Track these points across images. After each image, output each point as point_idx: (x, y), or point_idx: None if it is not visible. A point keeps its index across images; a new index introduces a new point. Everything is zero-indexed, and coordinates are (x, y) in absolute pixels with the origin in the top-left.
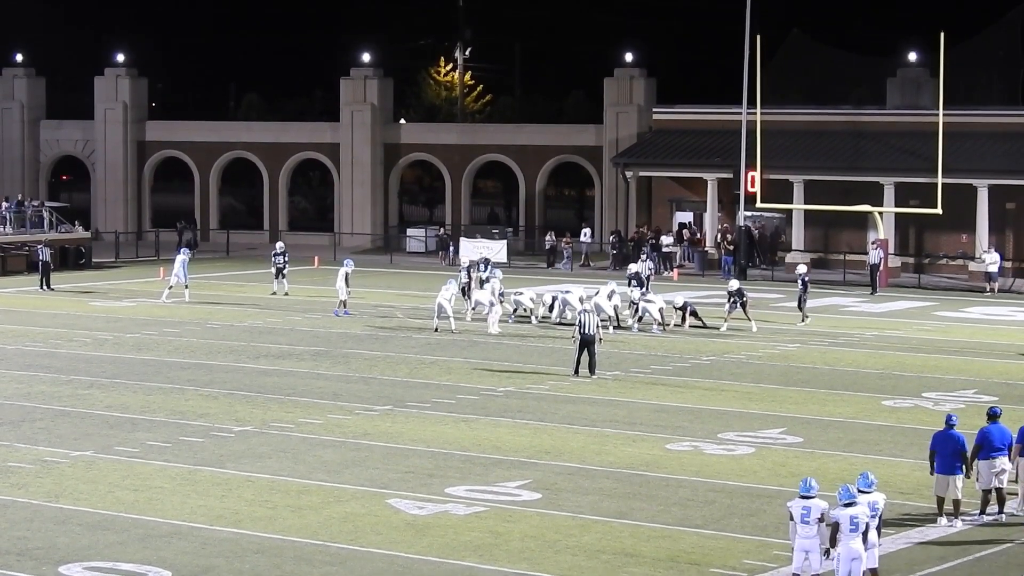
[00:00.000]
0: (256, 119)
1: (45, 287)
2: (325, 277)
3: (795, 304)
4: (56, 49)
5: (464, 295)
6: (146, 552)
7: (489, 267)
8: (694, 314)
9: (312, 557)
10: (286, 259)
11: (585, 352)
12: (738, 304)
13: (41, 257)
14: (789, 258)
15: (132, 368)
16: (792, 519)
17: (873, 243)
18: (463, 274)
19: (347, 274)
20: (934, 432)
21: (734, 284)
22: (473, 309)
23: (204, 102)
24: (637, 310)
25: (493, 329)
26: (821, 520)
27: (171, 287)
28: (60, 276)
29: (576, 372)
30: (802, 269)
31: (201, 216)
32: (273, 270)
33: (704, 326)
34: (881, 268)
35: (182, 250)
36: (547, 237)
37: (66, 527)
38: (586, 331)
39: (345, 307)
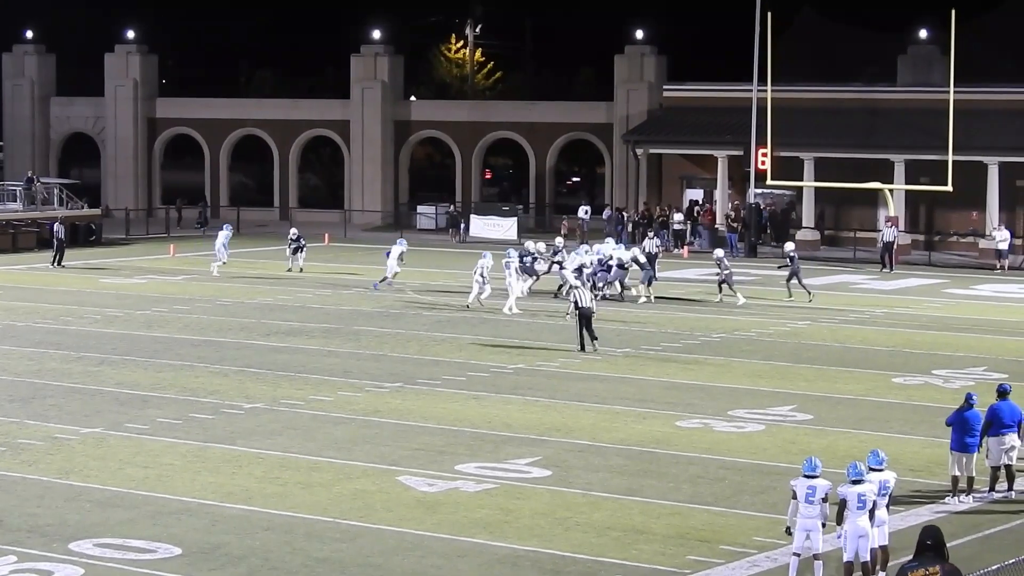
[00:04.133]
0: (267, 96)
1: (57, 264)
2: (337, 254)
3: (795, 282)
4: (66, 26)
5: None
6: (156, 529)
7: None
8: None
9: (322, 534)
10: (301, 242)
11: (585, 326)
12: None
13: (57, 235)
14: (800, 235)
15: (142, 345)
16: (795, 497)
17: (887, 221)
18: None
19: (402, 252)
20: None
21: (718, 252)
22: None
23: (215, 79)
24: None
25: (508, 309)
26: (825, 500)
27: (223, 262)
28: (70, 253)
29: (582, 348)
30: (790, 246)
31: (211, 193)
32: (288, 250)
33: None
34: (895, 246)
35: (225, 226)
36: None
37: (76, 504)
38: (582, 305)
39: (388, 281)
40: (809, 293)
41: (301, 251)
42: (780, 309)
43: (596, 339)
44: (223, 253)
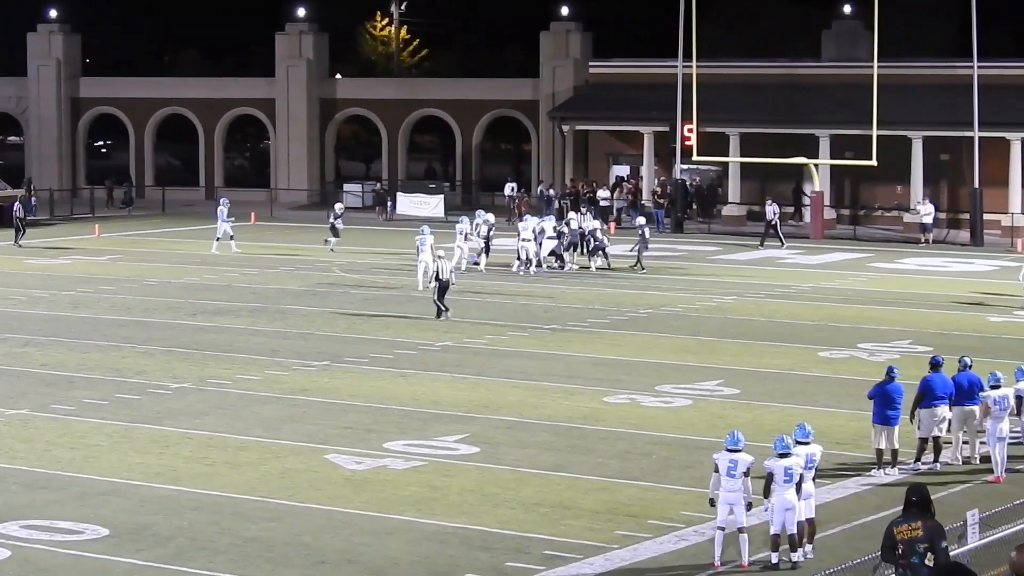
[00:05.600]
0: (192, 76)
1: (16, 243)
2: (263, 233)
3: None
4: None
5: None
6: (83, 510)
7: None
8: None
9: (250, 513)
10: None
11: (443, 296)
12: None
13: (16, 213)
14: (725, 211)
15: (68, 326)
16: (717, 471)
17: (767, 199)
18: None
19: (465, 233)
20: (880, 383)
21: (639, 219)
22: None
23: (139, 59)
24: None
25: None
26: (747, 474)
27: (220, 239)
28: None
29: (439, 316)
30: (641, 221)
31: (136, 173)
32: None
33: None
34: (775, 223)
35: (222, 200)
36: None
37: (3, 486)
38: (442, 276)
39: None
40: (642, 267)
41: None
42: (706, 284)
43: (447, 310)
44: (227, 228)
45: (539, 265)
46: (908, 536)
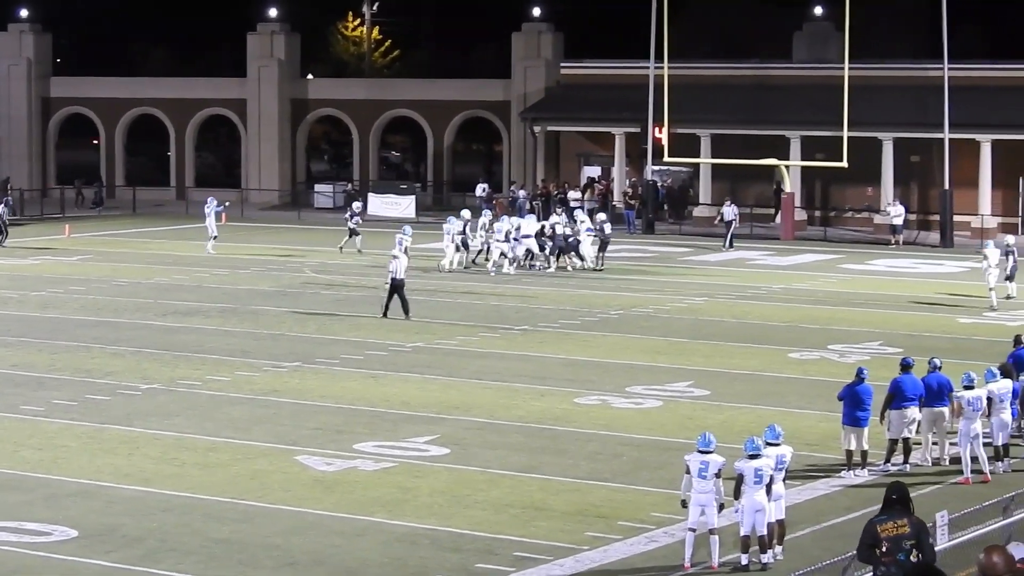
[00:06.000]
0: (163, 76)
1: None
2: (234, 233)
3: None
4: None
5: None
6: (52, 511)
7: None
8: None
9: (220, 514)
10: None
11: (396, 295)
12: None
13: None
14: (697, 212)
15: (37, 326)
16: (688, 472)
17: (727, 200)
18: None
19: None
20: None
21: (600, 215)
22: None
23: (110, 59)
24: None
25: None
26: (718, 476)
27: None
28: None
29: (385, 315)
30: (601, 217)
31: (107, 173)
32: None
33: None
34: (735, 225)
35: (209, 200)
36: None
37: None
38: (396, 276)
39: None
40: (600, 266)
41: (356, 233)
42: (677, 285)
43: (407, 311)
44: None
45: (513, 262)
46: (894, 533)
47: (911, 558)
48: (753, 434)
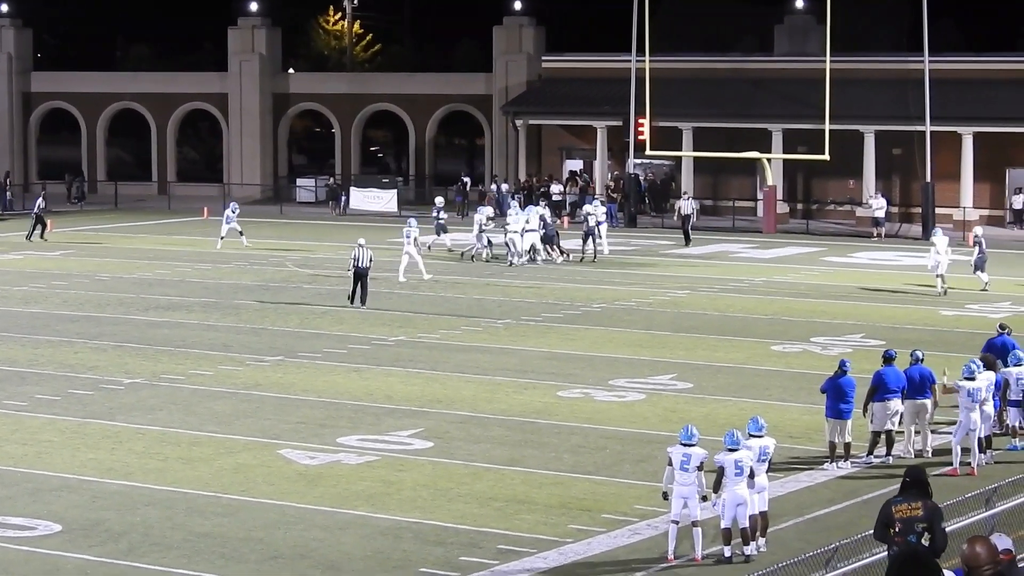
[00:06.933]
0: (144, 71)
1: (40, 238)
2: (216, 228)
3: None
4: None
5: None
6: (36, 506)
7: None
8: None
9: (204, 509)
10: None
11: (359, 284)
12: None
13: (38, 208)
14: (678, 205)
15: (19, 321)
16: (671, 464)
17: (684, 194)
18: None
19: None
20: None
21: (587, 207)
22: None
23: (91, 54)
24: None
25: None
26: (700, 468)
27: (224, 237)
28: None
29: (352, 301)
30: (588, 208)
31: (89, 168)
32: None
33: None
34: (693, 220)
35: (232, 205)
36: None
37: None
38: (360, 264)
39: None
40: (563, 254)
41: (445, 230)
42: (659, 278)
43: (365, 304)
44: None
45: (488, 246)
46: (908, 515)
47: (922, 541)
48: (736, 427)
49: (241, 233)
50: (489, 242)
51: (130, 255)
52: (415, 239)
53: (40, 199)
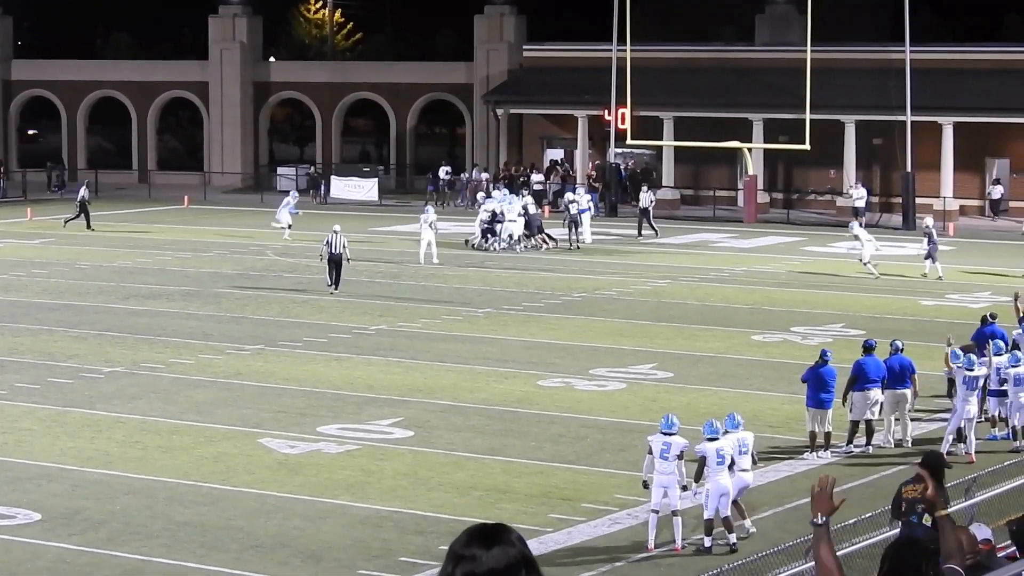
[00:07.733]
0: (125, 59)
1: (87, 227)
2: (196, 217)
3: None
4: None
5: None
6: (15, 495)
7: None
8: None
9: (183, 497)
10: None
11: (335, 269)
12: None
13: (82, 197)
14: (659, 194)
15: None
16: (651, 453)
17: (644, 186)
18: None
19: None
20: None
21: (569, 195)
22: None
23: (71, 42)
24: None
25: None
26: (680, 457)
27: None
28: None
29: (330, 284)
30: (570, 196)
31: (69, 156)
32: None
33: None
34: (651, 212)
35: (292, 193)
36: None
37: None
38: (334, 250)
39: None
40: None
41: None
42: (640, 268)
43: (337, 287)
44: (286, 217)
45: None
46: (911, 496)
47: (923, 522)
48: (715, 417)
49: (289, 225)
50: (495, 233)
51: (110, 243)
52: (431, 223)
53: (83, 188)
